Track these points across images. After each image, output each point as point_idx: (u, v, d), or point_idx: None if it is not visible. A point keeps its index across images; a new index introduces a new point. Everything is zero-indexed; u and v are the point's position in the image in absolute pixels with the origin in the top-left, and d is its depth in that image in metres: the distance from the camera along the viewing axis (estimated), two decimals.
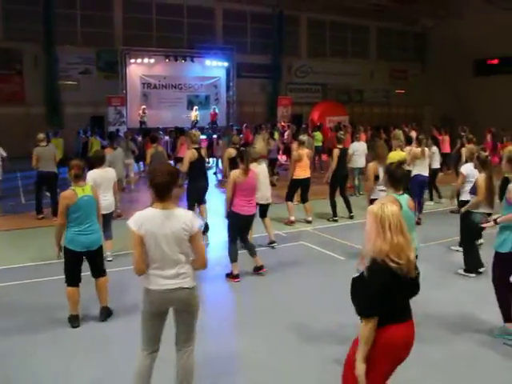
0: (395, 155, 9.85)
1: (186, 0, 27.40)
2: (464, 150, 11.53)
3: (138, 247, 3.89)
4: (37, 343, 5.55)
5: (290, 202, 10.98)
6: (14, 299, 6.79)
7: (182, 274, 3.98)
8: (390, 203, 3.41)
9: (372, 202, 8.43)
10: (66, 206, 5.77)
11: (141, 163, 17.63)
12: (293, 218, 10.98)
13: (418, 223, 10.06)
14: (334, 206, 11.42)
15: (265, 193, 8.95)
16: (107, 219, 7.84)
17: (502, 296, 5.69)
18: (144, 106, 25.53)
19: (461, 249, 8.18)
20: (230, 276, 7.55)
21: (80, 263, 5.94)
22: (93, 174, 7.74)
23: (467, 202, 7.80)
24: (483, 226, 6.51)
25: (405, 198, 5.32)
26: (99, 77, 25.68)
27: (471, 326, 5.93)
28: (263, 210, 9.15)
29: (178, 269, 3.96)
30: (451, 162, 16.58)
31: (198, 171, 9.62)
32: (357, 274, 3.41)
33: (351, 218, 11.45)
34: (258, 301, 6.85)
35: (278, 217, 11.01)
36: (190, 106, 27.68)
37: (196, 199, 9.88)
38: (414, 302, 3.47)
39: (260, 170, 8.60)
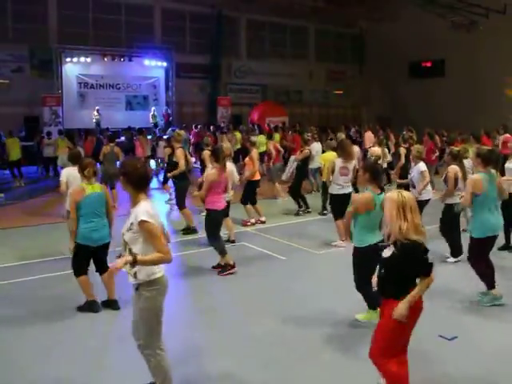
0: (329, 155, 10.84)
1: None
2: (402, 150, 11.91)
3: (162, 236, 3.98)
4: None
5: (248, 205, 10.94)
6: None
7: None
8: (403, 191, 4.03)
9: (332, 197, 8.86)
10: (75, 202, 6.05)
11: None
12: (253, 220, 10.96)
13: None
14: (303, 198, 11.81)
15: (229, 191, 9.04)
16: None
17: (480, 270, 6.35)
18: (98, 107, 25.05)
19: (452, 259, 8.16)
20: (228, 268, 7.65)
21: (90, 257, 6.22)
22: (66, 172, 7.99)
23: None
24: None
25: (381, 199, 5.27)
26: (33, 75, 24.74)
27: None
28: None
29: None
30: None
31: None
32: (388, 253, 3.92)
33: (308, 212, 11.89)
34: (192, 302, 6.78)
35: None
36: (129, 106, 27.28)
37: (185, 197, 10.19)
38: None
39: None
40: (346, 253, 7.65)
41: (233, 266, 7.68)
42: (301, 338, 5.61)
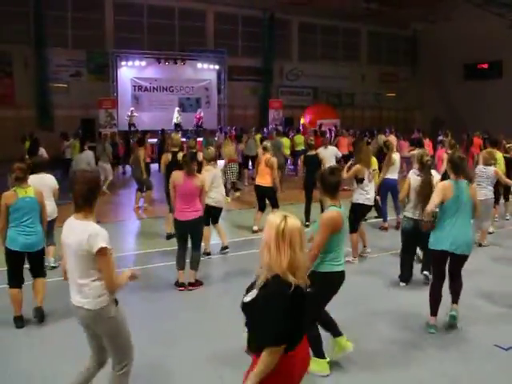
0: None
1: (178, 3, 27.38)
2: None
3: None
4: None
5: (257, 211, 10.32)
6: None
7: (84, 292, 3.66)
8: (294, 216, 2.95)
9: (353, 206, 8.33)
10: (5, 206, 5.84)
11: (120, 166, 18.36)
12: (255, 228, 10.19)
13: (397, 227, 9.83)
14: (306, 211, 10.74)
15: (216, 196, 8.48)
16: (50, 226, 7.38)
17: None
18: (132, 108, 25.38)
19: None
20: (176, 284, 7.15)
21: (21, 263, 5.97)
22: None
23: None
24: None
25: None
26: (90, 79, 25.57)
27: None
28: (214, 215, 8.64)
29: (79, 286, 3.67)
30: None
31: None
32: (249, 299, 2.90)
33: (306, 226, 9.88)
34: (196, 313, 6.39)
35: (237, 224, 10.77)
36: (182, 108, 27.70)
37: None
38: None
39: (216, 172, 8.52)
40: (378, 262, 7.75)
41: (181, 285, 7.11)
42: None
